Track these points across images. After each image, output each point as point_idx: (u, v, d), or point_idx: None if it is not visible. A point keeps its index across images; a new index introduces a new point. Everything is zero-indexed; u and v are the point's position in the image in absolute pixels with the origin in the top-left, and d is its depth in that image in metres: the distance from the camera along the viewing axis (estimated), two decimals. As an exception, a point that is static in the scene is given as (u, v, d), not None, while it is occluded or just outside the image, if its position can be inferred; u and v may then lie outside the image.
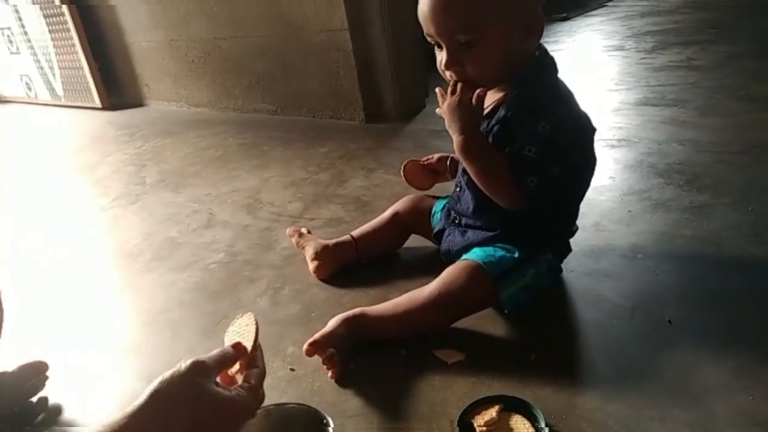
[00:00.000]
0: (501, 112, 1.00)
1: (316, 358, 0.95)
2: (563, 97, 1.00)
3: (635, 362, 0.91)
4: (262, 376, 0.75)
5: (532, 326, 1.01)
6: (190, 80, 2.98)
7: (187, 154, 2.30)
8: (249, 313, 0.81)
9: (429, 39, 0.99)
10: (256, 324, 0.78)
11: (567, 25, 3.89)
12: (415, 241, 1.32)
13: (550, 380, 0.88)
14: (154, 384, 0.63)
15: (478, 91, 0.96)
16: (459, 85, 0.97)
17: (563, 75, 1.03)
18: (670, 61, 2.61)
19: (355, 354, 0.98)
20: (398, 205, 1.30)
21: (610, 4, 4.60)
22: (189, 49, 2.87)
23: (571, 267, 1.15)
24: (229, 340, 0.79)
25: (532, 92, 0.98)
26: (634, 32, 3.32)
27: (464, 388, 0.89)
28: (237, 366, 0.75)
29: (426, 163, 1.28)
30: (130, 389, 0.96)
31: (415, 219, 1.28)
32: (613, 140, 1.78)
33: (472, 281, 0.99)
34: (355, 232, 1.29)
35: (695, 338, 0.94)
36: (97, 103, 3.38)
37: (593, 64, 2.83)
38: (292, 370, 0.98)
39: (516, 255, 1.01)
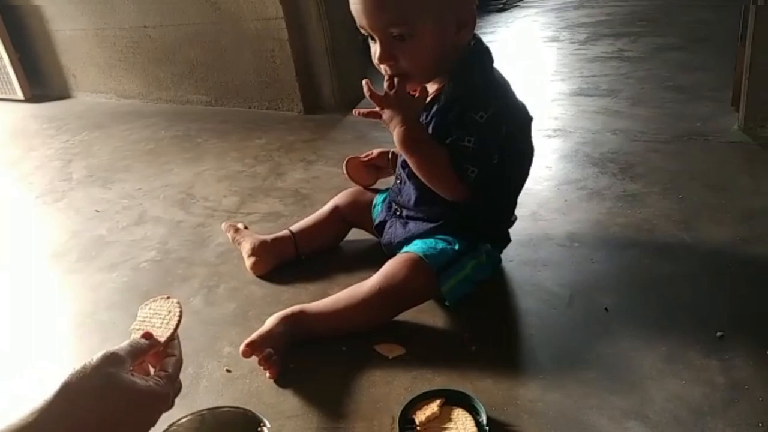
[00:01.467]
0: (438, 104, 0.99)
1: (254, 358, 0.91)
2: (499, 87, 1.00)
3: (574, 351, 0.92)
4: (179, 364, 0.73)
5: (472, 317, 1.01)
6: (119, 70, 2.85)
7: (116, 147, 2.20)
8: (175, 300, 0.78)
9: (362, 31, 0.97)
10: (180, 313, 0.76)
11: (504, 15, 3.92)
12: (355, 234, 1.30)
13: (491, 372, 0.88)
14: (64, 377, 0.60)
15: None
16: (396, 80, 0.95)
17: (501, 65, 1.03)
18: (603, 52, 2.67)
19: (294, 352, 0.95)
20: (338, 199, 1.28)
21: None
22: (117, 38, 2.74)
23: (510, 257, 1.15)
24: (143, 318, 0.76)
25: (468, 83, 0.97)
26: (568, 24, 3.38)
27: (406, 383, 0.88)
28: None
29: (367, 158, 1.26)
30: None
31: (355, 212, 1.26)
32: (549, 130, 1.80)
33: (412, 274, 0.98)
34: (294, 227, 1.26)
35: (630, 325, 0.95)
36: (20, 95, 3.19)
37: (530, 55, 2.87)
38: (229, 371, 0.95)
39: (456, 247, 1.01)
